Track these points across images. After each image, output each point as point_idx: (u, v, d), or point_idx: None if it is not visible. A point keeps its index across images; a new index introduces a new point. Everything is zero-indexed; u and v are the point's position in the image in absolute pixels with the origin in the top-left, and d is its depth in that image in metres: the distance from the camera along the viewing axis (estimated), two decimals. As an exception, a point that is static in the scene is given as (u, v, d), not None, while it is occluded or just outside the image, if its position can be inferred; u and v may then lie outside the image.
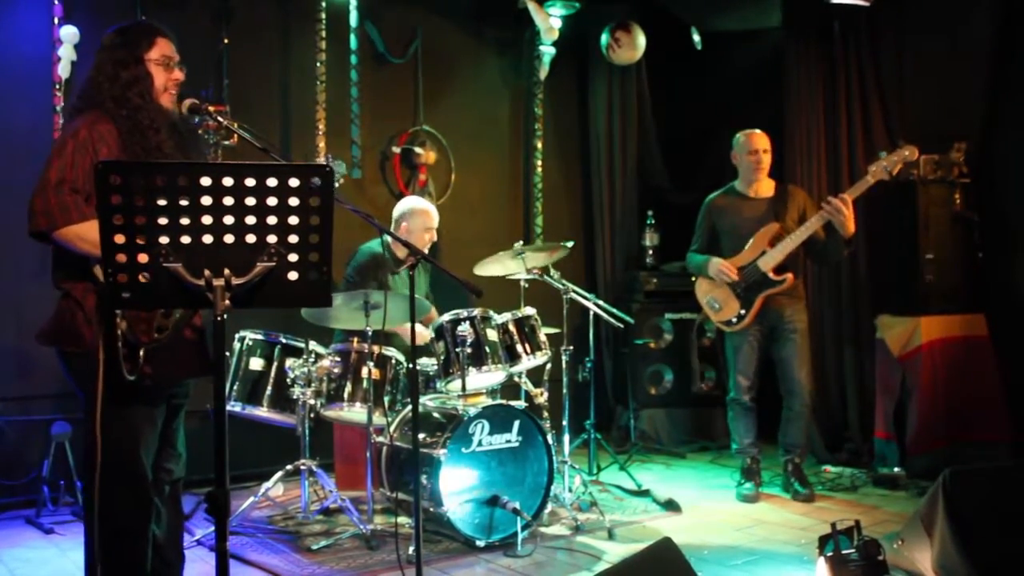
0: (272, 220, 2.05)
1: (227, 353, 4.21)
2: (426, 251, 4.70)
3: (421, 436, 4.01)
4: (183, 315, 2.59)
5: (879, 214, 5.30)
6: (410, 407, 3.98)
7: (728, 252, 4.91)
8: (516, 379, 4.64)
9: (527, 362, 4.47)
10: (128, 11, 4.92)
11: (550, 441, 4.21)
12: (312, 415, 4.23)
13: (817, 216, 4.69)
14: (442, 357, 4.32)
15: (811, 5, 5.62)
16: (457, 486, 3.96)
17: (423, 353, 4.51)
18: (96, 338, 2.48)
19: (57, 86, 4.74)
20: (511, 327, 4.45)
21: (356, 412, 4.26)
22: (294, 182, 2.04)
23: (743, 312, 4.83)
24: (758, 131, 4.95)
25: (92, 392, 2.46)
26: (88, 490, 2.63)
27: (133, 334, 2.48)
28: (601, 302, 5.02)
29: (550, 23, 6.11)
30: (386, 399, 4.27)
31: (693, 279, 5.08)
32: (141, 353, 2.50)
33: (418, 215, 4.92)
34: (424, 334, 4.44)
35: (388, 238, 4.96)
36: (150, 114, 2.68)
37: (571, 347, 4.75)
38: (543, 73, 6.36)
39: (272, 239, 2.06)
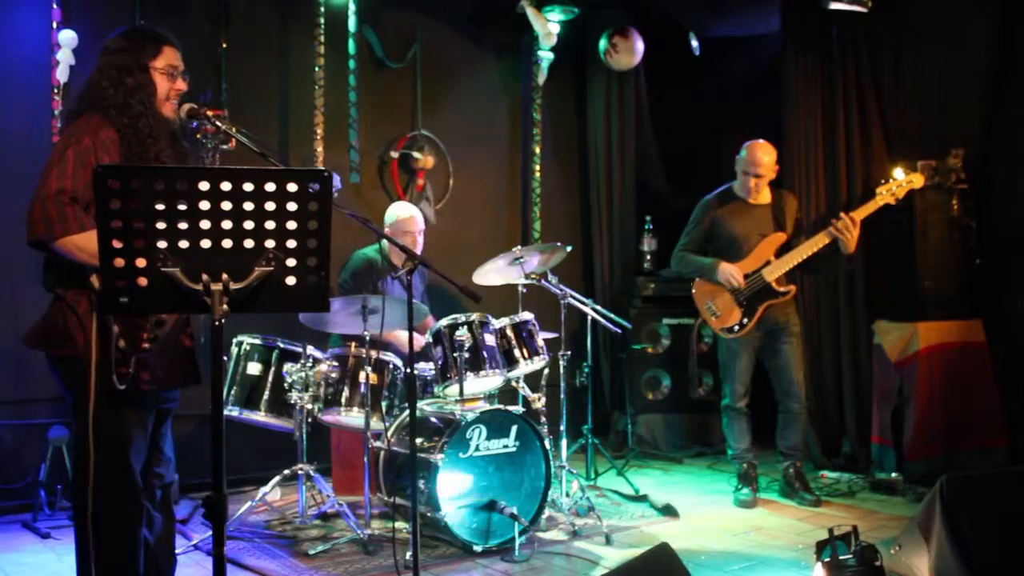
0: (270, 225, 2.04)
1: (224, 357, 4.20)
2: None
3: (418, 441, 4.00)
4: (175, 324, 2.59)
5: (877, 220, 5.30)
6: (407, 412, 3.97)
7: (724, 257, 4.88)
8: (514, 384, 4.63)
9: (525, 367, 4.47)
10: (127, 16, 4.93)
11: (547, 446, 4.21)
12: (309, 420, 4.23)
13: (824, 233, 4.68)
14: (440, 362, 4.32)
15: (809, 11, 5.62)
16: (454, 491, 3.96)
17: (420, 358, 4.50)
18: (88, 343, 2.47)
19: (55, 90, 4.74)
20: (509, 332, 4.45)
21: (354, 417, 4.25)
22: (292, 187, 2.04)
23: (745, 320, 4.82)
24: (767, 149, 4.86)
25: (83, 396, 2.45)
26: (77, 494, 2.62)
27: (125, 343, 2.47)
28: (599, 307, 5.02)
29: (548, 28, 6.12)
30: (384, 404, 4.26)
31: (690, 282, 5.02)
32: (132, 361, 2.50)
33: (398, 223, 4.92)
34: (419, 342, 4.42)
35: (385, 243, 4.96)
36: (150, 122, 2.66)
37: (569, 352, 4.75)
38: (541, 78, 6.36)
39: (270, 244, 2.05)
